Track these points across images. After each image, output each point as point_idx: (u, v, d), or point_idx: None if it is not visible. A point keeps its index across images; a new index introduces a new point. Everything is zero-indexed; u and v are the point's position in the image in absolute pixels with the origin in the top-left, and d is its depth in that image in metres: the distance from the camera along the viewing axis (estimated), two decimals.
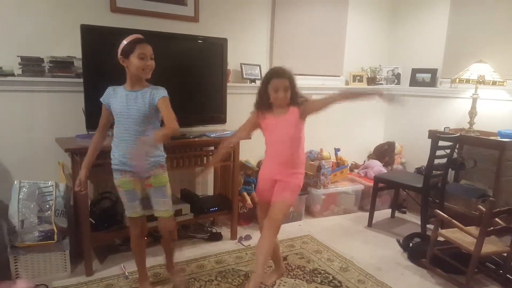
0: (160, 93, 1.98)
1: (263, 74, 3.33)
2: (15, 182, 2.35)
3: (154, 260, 2.62)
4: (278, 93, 2.07)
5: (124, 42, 1.94)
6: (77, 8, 2.62)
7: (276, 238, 2.20)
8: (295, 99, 2.13)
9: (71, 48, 2.54)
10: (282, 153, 2.14)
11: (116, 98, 1.99)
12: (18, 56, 2.42)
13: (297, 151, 2.17)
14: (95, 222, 2.51)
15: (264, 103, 2.14)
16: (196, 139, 2.70)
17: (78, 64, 2.53)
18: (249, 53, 3.39)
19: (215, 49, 2.83)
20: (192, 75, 2.75)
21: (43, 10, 2.53)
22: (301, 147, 2.19)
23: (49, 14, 2.55)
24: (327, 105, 2.14)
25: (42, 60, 2.50)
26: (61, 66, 2.54)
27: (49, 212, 2.34)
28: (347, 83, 4.02)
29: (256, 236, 3.05)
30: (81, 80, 2.44)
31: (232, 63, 3.16)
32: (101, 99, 2.03)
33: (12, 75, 2.42)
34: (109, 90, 2.02)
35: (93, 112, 2.39)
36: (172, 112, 1.93)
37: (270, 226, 2.10)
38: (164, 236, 2.25)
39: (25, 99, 2.52)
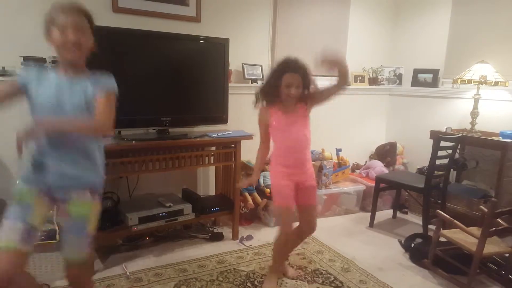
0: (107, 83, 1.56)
1: (265, 72, 3.41)
2: (17, 182, 2.35)
3: (157, 260, 2.63)
4: (291, 89, 1.96)
5: (47, 14, 1.52)
6: None
7: None
8: (305, 94, 2.04)
9: None
10: (300, 153, 2.08)
11: (40, 82, 1.49)
12: (20, 56, 2.43)
13: (309, 150, 2.16)
14: (97, 222, 2.50)
15: (272, 97, 2.03)
16: (198, 139, 2.71)
17: None
18: (250, 53, 3.39)
19: (216, 49, 2.83)
20: (193, 75, 2.76)
21: (46, 9, 2.53)
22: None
23: None
24: (328, 97, 2.08)
25: (44, 60, 2.50)
26: None
27: (51, 211, 2.34)
28: (348, 84, 4.01)
29: (257, 236, 3.06)
30: None
31: (234, 63, 3.16)
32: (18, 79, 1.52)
33: (15, 75, 2.43)
34: (33, 69, 1.54)
35: None
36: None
37: (310, 231, 2.15)
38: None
39: None
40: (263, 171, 3.43)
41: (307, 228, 2.22)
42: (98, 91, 1.53)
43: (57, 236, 2.28)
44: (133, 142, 2.47)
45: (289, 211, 2.15)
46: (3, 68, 2.38)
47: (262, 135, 2.18)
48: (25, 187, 1.52)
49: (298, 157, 2.12)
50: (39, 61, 2.48)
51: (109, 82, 1.57)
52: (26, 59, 2.44)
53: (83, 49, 1.52)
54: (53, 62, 2.50)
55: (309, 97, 2.09)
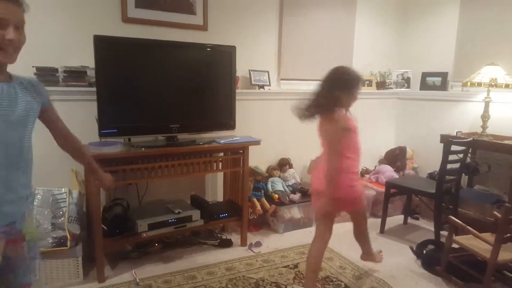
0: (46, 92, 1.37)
1: (272, 79, 3.43)
2: None
3: (166, 267, 2.64)
4: (356, 97, 2.07)
5: None
6: (90, 19, 2.68)
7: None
8: None
9: (84, 58, 2.59)
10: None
11: None
12: (33, 66, 2.49)
13: None
14: (107, 229, 2.53)
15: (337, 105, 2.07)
16: (206, 145, 2.72)
17: (91, 73, 2.58)
18: (257, 59, 3.41)
19: (224, 57, 2.86)
20: (201, 83, 2.78)
21: (58, 21, 2.60)
22: None
23: (63, 26, 2.62)
24: None
25: (56, 70, 2.56)
26: (75, 75, 2.59)
27: (62, 218, 2.37)
28: None
29: (266, 242, 3.05)
30: (94, 89, 2.49)
31: (241, 70, 3.18)
32: None
33: None
34: None
35: (106, 120, 2.45)
36: None
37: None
38: None
39: None
40: (270, 176, 3.43)
41: None
42: (48, 101, 1.41)
43: (68, 243, 2.31)
44: (143, 149, 2.50)
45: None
46: None
47: (338, 145, 2.05)
48: None
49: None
50: (50, 71, 2.53)
51: (46, 91, 1.41)
52: (39, 69, 2.50)
53: (19, 50, 1.28)
54: (65, 72, 2.56)
55: None
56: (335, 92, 2.03)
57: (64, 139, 1.61)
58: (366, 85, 4.00)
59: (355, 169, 2.15)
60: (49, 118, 1.49)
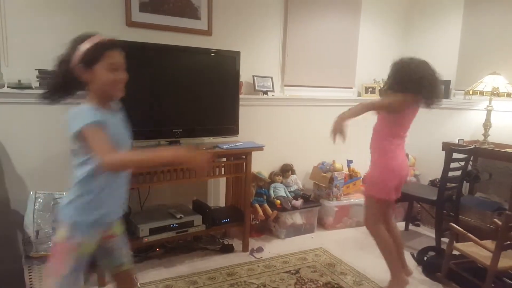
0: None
1: (276, 85, 3.44)
2: (31, 193, 2.39)
3: (167, 272, 2.63)
4: None
5: (86, 45, 1.38)
6: (94, 23, 2.68)
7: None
8: None
9: None
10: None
11: (110, 120, 1.42)
12: (36, 69, 2.48)
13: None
14: None
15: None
16: (209, 150, 2.72)
17: None
18: (261, 65, 3.42)
19: (228, 62, 2.87)
20: (205, 88, 2.79)
21: (61, 25, 2.60)
22: None
23: (66, 29, 2.61)
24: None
25: None
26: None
27: None
28: (359, 94, 4.02)
29: (267, 248, 3.05)
30: None
31: (244, 75, 3.18)
32: (93, 120, 1.35)
33: (30, 88, 2.48)
34: (93, 109, 1.40)
35: None
36: None
37: None
38: None
39: (42, 111, 2.56)
40: (272, 182, 3.43)
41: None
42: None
43: None
44: None
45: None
46: (19, 81, 2.44)
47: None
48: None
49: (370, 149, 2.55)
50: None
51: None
52: (41, 72, 2.50)
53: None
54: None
55: None
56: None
57: None
58: (369, 92, 4.01)
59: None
60: None
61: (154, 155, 1.40)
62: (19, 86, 2.44)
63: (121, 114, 1.56)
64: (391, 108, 2.30)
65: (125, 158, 1.39)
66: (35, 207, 2.34)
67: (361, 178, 3.91)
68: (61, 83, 1.44)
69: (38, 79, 2.50)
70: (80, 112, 1.38)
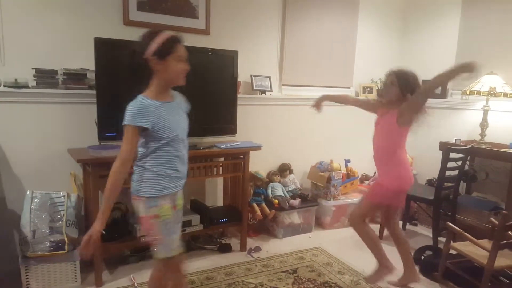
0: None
1: (274, 85, 3.43)
2: (28, 192, 2.38)
3: None
4: (386, 87, 2.19)
5: (159, 40, 1.56)
6: (91, 22, 2.67)
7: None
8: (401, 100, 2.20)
9: (84, 60, 2.58)
10: (376, 158, 2.36)
11: (162, 113, 1.60)
12: (32, 68, 2.47)
13: (389, 157, 2.33)
14: (106, 233, 2.51)
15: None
16: (207, 150, 2.72)
17: (91, 76, 2.57)
18: (259, 64, 3.42)
19: (226, 61, 2.86)
20: (202, 87, 2.78)
21: (58, 23, 2.59)
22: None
23: (63, 28, 2.61)
24: (429, 91, 2.31)
25: (56, 72, 2.55)
26: (75, 78, 2.58)
27: (60, 222, 2.36)
28: (357, 94, 4.02)
29: (265, 247, 3.05)
30: (94, 92, 2.48)
31: (243, 75, 3.18)
32: (136, 123, 1.53)
33: (27, 87, 2.47)
34: (144, 106, 1.56)
35: (105, 124, 2.44)
36: None
37: None
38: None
39: (39, 111, 2.56)
40: (270, 182, 3.43)
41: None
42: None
43: (66, 247, 2.29)
44: None
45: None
46: (16, 80, 2.42)
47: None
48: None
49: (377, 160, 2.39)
50: (50, 73, 2.52)
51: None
52: (38, 71, 2.49)
53: None
54: (65, 74, 2.55)
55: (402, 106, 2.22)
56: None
57: None
58: (367, 92, 4.01)
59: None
60: None
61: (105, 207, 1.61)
62: (16, 85, 2.43)
63: (179, 101, 1.76)
64: (412, 115, 2.27)
65: (109, 178, 1.58)
66: (32, 206, 2.33)
67: (358, 178, 3.93)
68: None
69: (35, 78, 2.49)
70: (129, 108, 1.56)
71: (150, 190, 1.64)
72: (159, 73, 1.60)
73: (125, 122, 1.54)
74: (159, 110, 1.59)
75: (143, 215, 1.66)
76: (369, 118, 4.04)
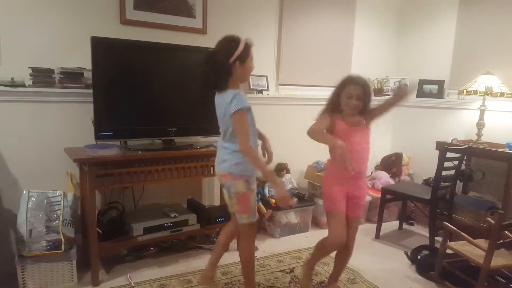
0: None
1: (270, 84, 3.44)
2: (24, 192, 2.38)
3: (161, 271, 2.62)
4: (351, 100, 2.05)
5: (241, 46, 1.89)
6: (88, 21, 2.66)
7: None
8: (365, 108, 2.12)
9: (81, 59, 2.58)
10: (358, 164, 2.09)
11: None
12: (29, 67, 2.47)
13: (366, 163, 2.21)
14: (102, 232, 2.51)
15: (334, 106, 2.13)
16: (203, 149, 2.72)
17: (88, 75, 2.56)
18: (256, 64, 3.35)
19: None
20: (199, 86, 2.76)
21: (54, 22, 2.58)
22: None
23: (60, 27, 2.60)
24: (382, 114, 2.20)
25: (52, 71, 2.54)
26: (71, 77, 2.57)
27: (56, 221, 2.35)
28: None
29: (262, 247, 3.05)
30: (90, 91, 2.48)
31: None
32: (246, 105, 1.91)
33: (23, 86, 2.46)
34: (242, 93, 1.94)
35: (102, 123, 2.43)
36: None
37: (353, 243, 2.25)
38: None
39: (35, 110, 2.55)
40: (267, 181, 3.43)
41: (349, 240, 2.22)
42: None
43: (63, 246, 2.29)
44: (139, 152, 2.49)
45: (339, 217, 2.16)
46: (12, 79, 2.42)
47: (320, 123, 2.15)
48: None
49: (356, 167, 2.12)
50: (47, 72, 2.52)
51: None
52: (35, 70, 2.48)
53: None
54: (62, 73, 2.54)
55: (368, 112, 2.16)
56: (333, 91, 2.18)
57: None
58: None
59: (339, 172, 2.13)
60: None
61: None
62: (12, 84, 2.42)
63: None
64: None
65: (252, 153, 1.92)
66: (28, 206, 2.33)
67: None
68: (219, 75, 1.91)
69: (31, 77, 2.48)
70: (237, 96, 1.88)
71: (250, 170, 2.00)
72: (236, 74, 1.91)
73: (241, 107, 1.85)
74: None
75: (244, 191, 2.01)
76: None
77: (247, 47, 1.92)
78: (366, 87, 2.10)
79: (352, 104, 2.06)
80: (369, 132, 2.20)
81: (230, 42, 1.90)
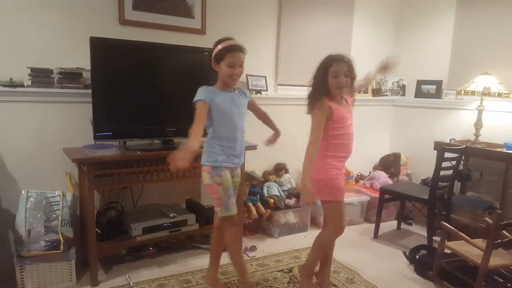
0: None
1: (269, 85, 3.44)
2: (23, 192, 2.37)
3: (160, 271, 2.63)
4: (338, 78, 2.00)
5: (219, 47, 2.00)
6: (87, 21, 2.66)
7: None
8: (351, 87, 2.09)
9: (80, 59, 2.57)
10: (350, 147, 2.12)
11: (219, 97, 2.03)
12: (28, 67, 2.46)
13: None
14: (101, 232, 2.52)
15: (322, 92, 2.05)
16: (202, 149, 2.71)
17: (87, 75, 2.56)
18: (255, 64, 3.41)
19: None
20: (198, 87, 2.77)
21: (53, 22, 2.58)
22: None
23: (59, 27, 2.60)
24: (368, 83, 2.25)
25: (51, 71, 2.54)
26: (70, 77, 2.57)
27: (55, 221, 2.35)
28: None
29: (261, 247, 3.06)
30: (89, 91, 2.47)
31: None
32: (201, 98, 1.99)
33: (22, 86, 2.46)
34: (208, 89, 2.04)
35: (101, 123, 2.44)
36: None
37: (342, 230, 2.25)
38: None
39: (34, 110, 2.55)
40: (266, 181, 3.44)
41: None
42: (250, 97, 2.29)
43: (61, 246, 2.29)
44: (138, 152, 2.49)
45: (343, 205, 2.18)
46: (11, 79, 2.41)
47: (318, 133, 2.10)
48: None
49: (348, 153, 2.15)
50: (45, 72, 2.52)
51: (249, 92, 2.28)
52: (33, 70, 2.48)
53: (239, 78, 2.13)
54: (60, 73, 2.54)
55: (353, 88, 2.14)
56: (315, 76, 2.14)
57: (263, 116, 2.44)
58: (362, 92, 4.03)
59: (336, 158, 2.18)
60: (252, 106, 2.32)
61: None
62: (11, 84, 2.42)
63: (235, 94, 2.13)
64: None
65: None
66: (27, 206, 2.33)
67: (353, 177, 3.94)
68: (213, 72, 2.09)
69: (30, 77, 2.48)
70: (199, 89, 2.03)
71: (215, 161, 2.11)
72: (220, 73, 2.05)
73: (196, 99, 2.01)
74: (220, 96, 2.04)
75: (208, 182, 2.11)
76: (365, 119, 4.07)
77: (225, 50, 1.99)
78: (349, 62, 2.07)
79: (340, 82, 2.01)
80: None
81: (217, 42, 2.05)
